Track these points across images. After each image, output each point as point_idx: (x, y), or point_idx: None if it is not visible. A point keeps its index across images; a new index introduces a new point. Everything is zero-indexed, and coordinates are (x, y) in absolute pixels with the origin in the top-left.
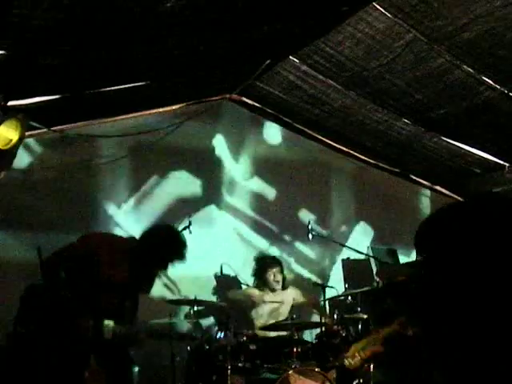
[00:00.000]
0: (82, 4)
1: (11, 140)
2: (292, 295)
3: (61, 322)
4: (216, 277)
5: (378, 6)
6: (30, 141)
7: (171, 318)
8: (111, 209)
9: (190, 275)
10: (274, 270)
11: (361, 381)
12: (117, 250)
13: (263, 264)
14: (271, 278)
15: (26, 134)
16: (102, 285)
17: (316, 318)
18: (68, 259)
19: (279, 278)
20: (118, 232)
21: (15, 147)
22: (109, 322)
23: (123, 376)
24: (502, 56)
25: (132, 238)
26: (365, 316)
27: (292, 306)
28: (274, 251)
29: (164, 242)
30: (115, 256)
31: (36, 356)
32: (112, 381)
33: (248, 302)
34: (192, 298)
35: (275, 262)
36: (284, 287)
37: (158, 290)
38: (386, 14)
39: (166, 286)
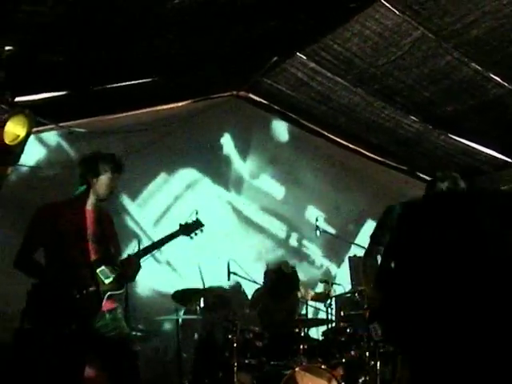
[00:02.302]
0: (89, 0)
1: (18, 136)
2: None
3: (67, 318)
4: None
5: (386, 3)
6: (38, 137)
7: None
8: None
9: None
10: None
11: (367, 378)
12: (70, 206)
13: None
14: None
15: (34, 130)
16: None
17: (322, 315)
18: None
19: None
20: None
21: (22, 143)
22: (102, 269)
23: (129, 374)
24: (510, 53)
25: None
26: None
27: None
28: (281, 249)
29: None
30: (70, 211)
31: (42, 352)
32: (118, 379)
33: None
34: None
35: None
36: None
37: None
38: (394, 11)
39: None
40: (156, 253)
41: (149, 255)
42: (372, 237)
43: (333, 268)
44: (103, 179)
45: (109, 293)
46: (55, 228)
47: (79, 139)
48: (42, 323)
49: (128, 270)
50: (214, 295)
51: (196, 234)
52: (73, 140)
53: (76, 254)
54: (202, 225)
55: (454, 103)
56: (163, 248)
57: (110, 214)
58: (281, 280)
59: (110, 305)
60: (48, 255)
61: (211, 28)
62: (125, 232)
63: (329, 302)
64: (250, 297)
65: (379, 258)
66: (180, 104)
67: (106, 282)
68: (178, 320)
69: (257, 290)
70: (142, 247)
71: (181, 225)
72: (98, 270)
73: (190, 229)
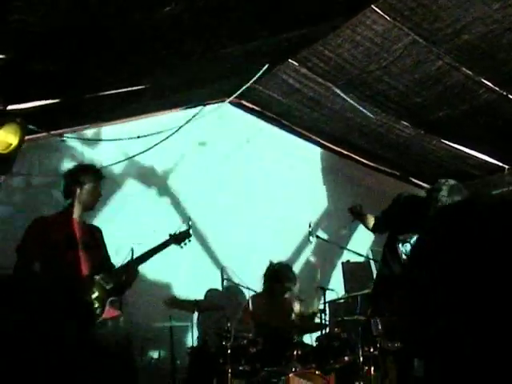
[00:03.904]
0: (81, 9)
1: (11, 144)
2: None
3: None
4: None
5: (377, 9)
6: (30, 145)
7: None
8: (108, 212)
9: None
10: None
11: (361, 383)
12: (61, 220)
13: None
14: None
15: (26, 138)
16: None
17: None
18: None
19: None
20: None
21: (15, 151)
22: (101, 276)
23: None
24: (500, 58)
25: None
26: (364, 318)
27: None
28: (275, 254)
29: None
30: (60, 223)
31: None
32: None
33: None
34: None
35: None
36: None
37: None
38: (384, 17)
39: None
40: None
41: (141, 264)
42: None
43: (326, 273)
44: (87, 188)
45: (110, 299)
46: (47, 240)
47: (71, 147)
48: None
49: (128, 276)
50: (208, 302)
51: (185, 244)
52: (65, 148)
53: (70, 262)
54: (190, 235)
55: (446, 108)
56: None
57: (96, 226)
58: (275, 275)
59: (113, 313)
60: (43, 268)
61: (203, 35)
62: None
63: (322, 307)
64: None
65: None
66: (172, 111)
67: (107, 287)
68: (171, 327)
69: (253, 297)
70: (134, 256)
71: (170, 235)
72: (96, 278)
73: (179, 238)
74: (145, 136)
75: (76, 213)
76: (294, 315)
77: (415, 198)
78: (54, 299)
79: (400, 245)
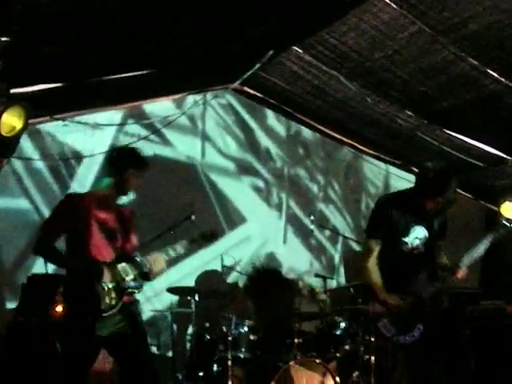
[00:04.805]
0: None
1: (15, 127)
2: None
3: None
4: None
5: None
6: (32, 128)
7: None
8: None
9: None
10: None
11: (362, 372)
12: (95, 200)
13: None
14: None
15: (29, 121)
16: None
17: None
18: (56, 225)
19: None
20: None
21: (18, 135)
22: (123, 265)
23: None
24: (507, 49)
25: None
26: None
27: None
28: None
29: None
30: (94, 205)
31: (35, 345)
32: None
33: None
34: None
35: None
36: None
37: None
38: (391, 5)
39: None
40: None
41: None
42: (366, 231)
43: (328, 261)
44: (128, 177)
45: (128, 290)
46: (79, 219)
47: (74, 131)
48: (36, 317)
49: (153, 268)
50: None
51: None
52: (67, 132)
53: (97, 248)
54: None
55: (450, 98)
56: None
57: (131, 210)
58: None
59: (128, 299)
60: (69, 246)
61: (207, 21)
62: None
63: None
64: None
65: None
66: (176, 96)
67: (127, 279)
68: (171, 313)
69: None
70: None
71: (200, 234)
72: (118, 267)
73: (206, 239)
74: (149, 121)
75: (112, 198)
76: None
77: (394, 195)
78: (68, 283)
79: (409, 244)
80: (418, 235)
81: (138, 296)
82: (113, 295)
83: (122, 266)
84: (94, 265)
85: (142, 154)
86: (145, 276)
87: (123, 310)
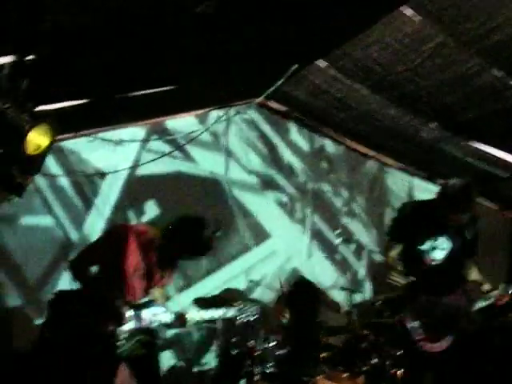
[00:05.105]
0: (111, 9)
1: (40, 145)
2: None
3: (88, 328)
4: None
5: (407, 10)
6: (56, 145)
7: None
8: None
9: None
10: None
11: None
12: (143, 237)
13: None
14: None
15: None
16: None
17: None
18: (97, 254)
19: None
20: None
21: (44, 153)
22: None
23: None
24: None
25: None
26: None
27: None
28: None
29: (192, 231)
30: (142, 243)
31: (61, 361)
32: None
33: None
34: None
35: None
36: None
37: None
38: (414, 18)
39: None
40: None
41: None
42: (387, 235)
43: (355, 275)
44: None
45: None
46: (119, 254)
47: (97, 148)
48: (66, 333)
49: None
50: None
51: None
52: (90, 148)
53: (128, 284)
54: None
55: (475, 109)
56: None
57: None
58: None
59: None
60: (100, 273)
61: (232, 36)
62: None
63: (349, 309)
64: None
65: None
66: (200, 111)
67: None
68: (197, 328)
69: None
70: None
71: None
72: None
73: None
74: (173, 137)
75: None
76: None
77: (421, 202)
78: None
79: (426, 254)
80: (438, 246)
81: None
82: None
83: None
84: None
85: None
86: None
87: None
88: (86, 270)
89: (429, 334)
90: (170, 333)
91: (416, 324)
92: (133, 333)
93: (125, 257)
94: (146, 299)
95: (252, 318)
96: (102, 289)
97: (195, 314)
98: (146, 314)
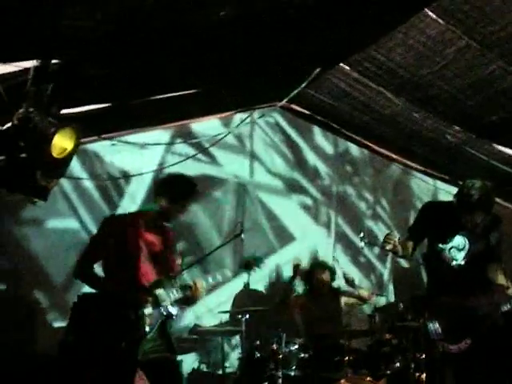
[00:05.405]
0: (133, 14)
1: (66, 149)
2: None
3: (109, 333)
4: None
5: (430, 13)
6: (81, 148)
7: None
8: None
9: None
10: (323, 275)
11: None
12: (142, 221)
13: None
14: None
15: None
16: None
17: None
18: (97, 249)
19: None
20: None
21: (69, 156)
22: (161, 291)
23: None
24: None
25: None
26: (415, 324)
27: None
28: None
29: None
30: (138, 228)
31: (85, 365)
32: None
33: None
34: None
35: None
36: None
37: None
38: (437, 21)
39: None
40: None
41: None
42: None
43: (379, 279)
44: (177, 207)
45: (164, 315)
46: (120, 243)
47: (121, 151)
48: (89, 337)
49: (194, 294)
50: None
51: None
52: (115, 152)
53: (137, 273)
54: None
55: (499, 112)
56: None
57: (174, 233)
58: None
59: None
60: (108, 268)
61: (255, 40)
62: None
63: (373, 312)
64: None
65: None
66: (223, 115)
67: (165, 304)
68: (221, 331)
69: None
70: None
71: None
72: (158, 292)
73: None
74: (197, 140)
75: (157, 223)
76: (342, 306)
77: (441, 203)
78: (105, 306)
79: (447, 252)
80: (457, 245)
81: (188, 314)
82: (148, 320)
83: (160, 291)
84: (131, 290)
85: (197, 189)
86: (185, 301)
87: (160, 334)
88: (90, 269)
89: (448, 335)
90: (193, 336)
91: (436, 325)
92: (153, 337)
93: (124, 243)
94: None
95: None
96: (110, 285)
97: None
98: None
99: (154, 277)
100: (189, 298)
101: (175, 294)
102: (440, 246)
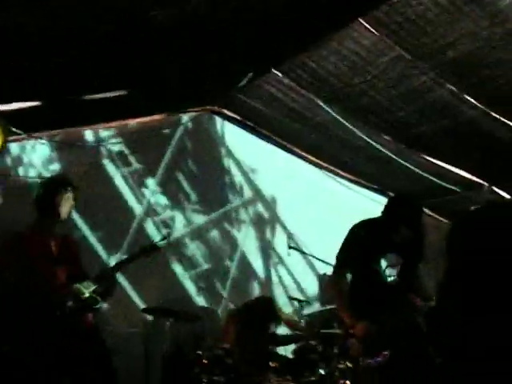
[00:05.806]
0: (66, 11)
1: None
2: None
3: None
4: None
5: (364, 23)
6: (9, 147)
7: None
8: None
9: None
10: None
11: None
12: (33, 233)
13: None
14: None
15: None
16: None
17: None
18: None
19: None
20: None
21: None
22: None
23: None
24: (485, 76)
25: None
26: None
27: None
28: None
29: None
30: (36, 238)
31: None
32: None
33: None
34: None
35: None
36: None
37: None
38: (371, 31)
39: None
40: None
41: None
42: (339, 258)
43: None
44: (59, 200)
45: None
46: (24, 256)
47: (51, 150)
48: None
49: (108, 284)
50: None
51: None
52: (43, 151)
53: (47, 277)
54: (158, 249)
55: (428, 124)
56: None
57: (72, 236)
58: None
59: (90, 321)
60: (19, 282)
61: (188, 43)
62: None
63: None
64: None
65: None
66: (153, 118)
67: (85, 295)
68: (146, 334)
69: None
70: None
71: (142, 247)
72: (73, 287)
73: (148, 252)
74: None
75: (52, 227)
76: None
77: (369, 222)
78: (27, 309)
79: (382, 271)
80: (390, 263)
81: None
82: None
83: (76, 285)
84: (45, 293)
85: (64, 176)
86: (104, 293)
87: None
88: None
89: (366, 349)
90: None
91: (354, 340)
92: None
93: (25, 251)
94: None
95: None
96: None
97: None
98: None
99: (63, 279)
100: (105, 289)
101: (92, 286)
102: (375, 267)
